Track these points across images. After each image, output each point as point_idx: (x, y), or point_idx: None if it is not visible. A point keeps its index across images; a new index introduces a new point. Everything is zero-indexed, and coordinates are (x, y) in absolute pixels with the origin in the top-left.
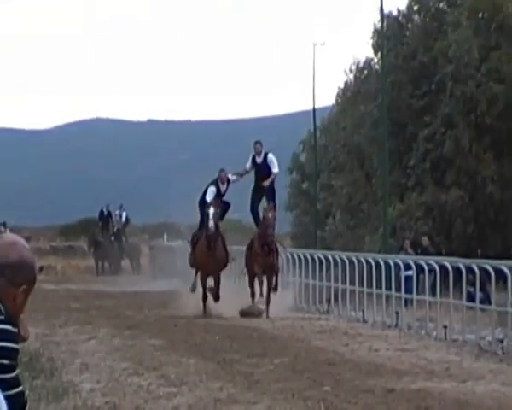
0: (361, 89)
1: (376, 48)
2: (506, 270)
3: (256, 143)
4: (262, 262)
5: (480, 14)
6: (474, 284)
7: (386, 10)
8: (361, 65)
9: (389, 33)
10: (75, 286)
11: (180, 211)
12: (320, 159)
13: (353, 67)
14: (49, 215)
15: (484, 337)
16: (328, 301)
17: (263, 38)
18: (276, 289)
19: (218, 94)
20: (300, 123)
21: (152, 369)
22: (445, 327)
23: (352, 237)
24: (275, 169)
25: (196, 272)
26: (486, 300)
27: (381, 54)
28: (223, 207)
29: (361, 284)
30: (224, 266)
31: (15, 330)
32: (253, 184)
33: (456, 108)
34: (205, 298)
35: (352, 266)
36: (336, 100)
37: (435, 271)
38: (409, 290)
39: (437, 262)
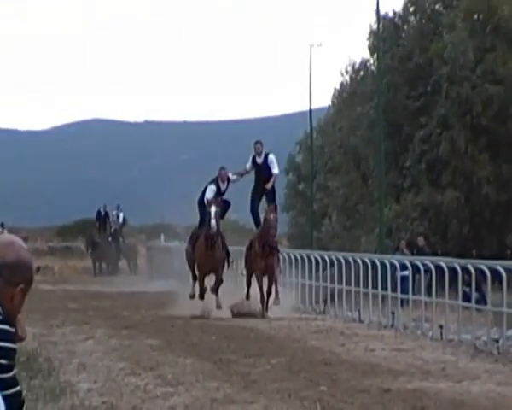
0: (357, 90)
1: (372, 49)
2: (502, 270)
3: (256, 143)
4: (262, 263)
5: (476, 16)
6: (469, 285)
7: (382, 12)
8: (357, 66)
9: (385, 35)
10: (72, 287)
11: (177, 212)
12: (316, 160)
13: (349, 69)
14: (46, 216)
15: (479, 337)
16: (325, 301)
17: (259, 39)
18: (277, 296)
19: (214, 95)
20: (297, 124)
21: (149, 369)
22: (441, 327)
23: (348, 238)
24: (275, 170)
25: (194, 279)
26: (482, 300)
27: (377, 55)
28: (223, 206)
29: (357, 284)
30: (223, 267)
31: (13, 330)
32: (252, 185)
33: (452, 109)
34: (202, 298)
35: (349, 267)
36: (332, 101)
37: (431, 271)
38: (405, 291)
39: (433, 263)
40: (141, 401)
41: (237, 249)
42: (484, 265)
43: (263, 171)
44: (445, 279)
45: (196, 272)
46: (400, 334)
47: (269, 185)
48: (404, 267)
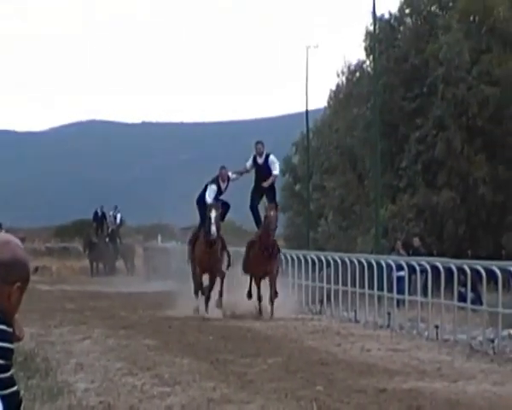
0: (353, 91)
1: (368, 50)
2: (497, 271)
3: (258, 143)
4: (261, 268)
5: (472, 17)
6: (465, 285)
7: (378, 13)
8: (353, 67)
9: (381, 36)
10: (70, 287)
11: (175, 212)
12: (312, 161)
13: (345, 70)
14: (46, 216)
15: (475, 337)
16: (321, 301)
17: (256, 40)
18: (275, 294)
19: (211, 96)
20: (293, 125)
21: (146, 369)
22: (437, 327)
23: (344, 238)
24: (275, 171)
25: (196, 292)
26: (478, 300)
27: (373, 56)
28: (223, 209)
29: (353, 284)
30: (221, 271)
31: (10, 329)
32: (252, 185)
33: (448, 110)
34: (196, 295)
35: (345, 267)
36: (328, 102)
37: (427, 271)
38: (400, 291)
39: (428, 263)
40: (138, 400)
41: (234, 250)
42: (479, 265)
43: (263, 171)
44: (440, 280)
45: (197, 271)
46: (396, 334)
47: (266, 183)
48: (400, 268)
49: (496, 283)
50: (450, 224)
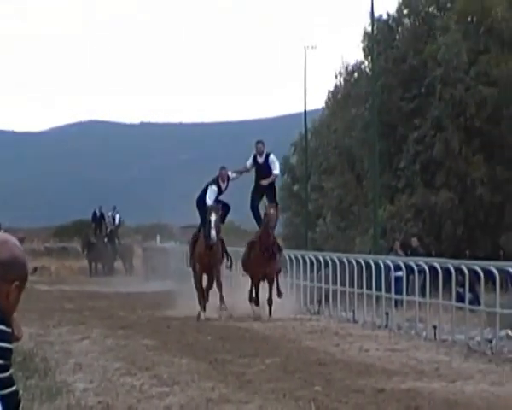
0: (351, 92)
1: (367, 51)
2: (495, 271)
3: (258, 142)
4: (261, 270)
5: (469, 18)
6: (463, 285)
7: (376, 14)
8: (351, 68)
9: (379, 37)
10: (69, 287)
11: (173, 212)
12: (311, 161)
13: (343, 71)
14: (46, 216)
15: (473, 338)
16: (319, 301)
17: (255, 41)
18: (279, 294)
19: (210, 96)
20: (291, 125)
21: (144, 369)
22: (435, 327)
23: (342, 239)
24: (276, 171)
25: (199, 299)
26: (475, 300)
27: (372, 57)
28: (223, 211)
29: (351, 284)
30: (219, 273)
31: (9, 329)
32: (253, 184)
33: (446, 110)
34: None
35: (343, 267)
36: (326, 103)
37: (425, 272)
38: (399, 291)
39: (427, 263)
40: (136, 400)
41: (234, 250)
42: (477, 265)
43: (263, 170)
44: (438, 280)
45: (198, 273)
46: (394, 334)
47: (265, 181)
48: (398, 268)
49: (494, 283)
50: (449, 224)
